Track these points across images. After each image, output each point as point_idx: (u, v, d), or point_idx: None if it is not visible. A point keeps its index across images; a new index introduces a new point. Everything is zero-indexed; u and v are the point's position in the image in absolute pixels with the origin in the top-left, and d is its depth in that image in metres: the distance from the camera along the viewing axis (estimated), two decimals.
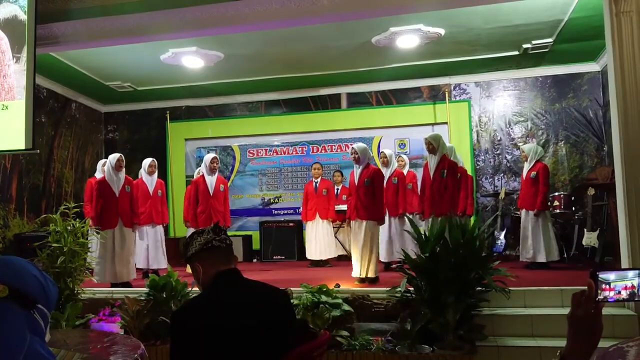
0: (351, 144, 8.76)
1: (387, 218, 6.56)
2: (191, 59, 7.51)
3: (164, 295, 4.71)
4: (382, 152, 7.24)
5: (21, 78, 5.32)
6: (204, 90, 9.23)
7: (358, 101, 9.33)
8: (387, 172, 6.87)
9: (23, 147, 5.33)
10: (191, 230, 6.86)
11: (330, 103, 9.40)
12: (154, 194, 7.12)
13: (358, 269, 5.73)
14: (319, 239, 7.68)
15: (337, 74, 8.54)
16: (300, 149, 9.46)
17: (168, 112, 9.60)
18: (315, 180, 7.93)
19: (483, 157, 8.83)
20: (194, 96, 9.55)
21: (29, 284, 1.10)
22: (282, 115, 9.64)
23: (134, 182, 6.77)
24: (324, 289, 4.50)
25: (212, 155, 7.08)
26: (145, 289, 4.80)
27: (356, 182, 5.88)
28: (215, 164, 6.89)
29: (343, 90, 9.29)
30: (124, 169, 6.37)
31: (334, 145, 9.32)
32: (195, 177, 7.37)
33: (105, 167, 6.44)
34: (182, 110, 9.86)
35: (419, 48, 7.31)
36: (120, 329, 4.57)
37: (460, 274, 4.13)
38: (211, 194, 6.70)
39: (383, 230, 6.52)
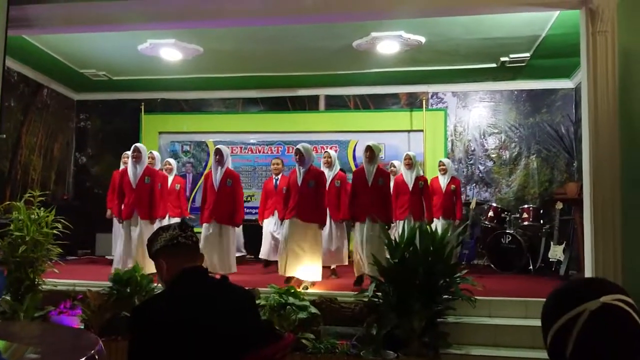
0: (328, 147, 8.91)
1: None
2: (169, 51, 7.40)
3: (128, 290, 4.63)
4: (325, 152, 7.09)
5: None
6: (181, 84, 9.10)
7: (336, 104, 9.33)
8: (329, 174, 6.72)
9: None
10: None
11: (308, 104, 9.38)
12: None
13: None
14: (268, 237, 7.34)
15: (316, 75, 8.52)
16: (276, 148, 9.41)
17: (143, 103, 9.44)
18: (276, 177, 7.47)
19: (456, 167, 8.92)
20: (170, 89, 9.41)
21: None
22: (259, 113, 9.58)
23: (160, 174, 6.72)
24: (292, 291, 4.48)
25: (217, 147, 6.44)
26: (109, 283, 4.70)
27: (299, 183, 5.81)
28: (219, 157, 6.22)
29: (321, 92, 9.27)
30: (143, 160, 6.25)
31: (310, 147, 9.28)
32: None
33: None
34: (157, 103, 9.71)
35: (399, 54, 7.35)
36: (81, 323, 4.46)
37: (428, 281, 4.15)
38: (216, 189, 6.10)
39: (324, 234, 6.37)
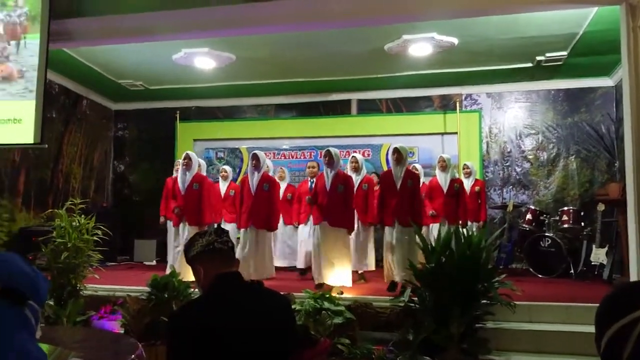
0: (359, 151, 8.89)
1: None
2: (203, 60, 7.52)
3: (166, 295, 4.68)
4: (352, 156, 7.05)
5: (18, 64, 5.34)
6: (215, 92, 9.23)
7: (368, 108, 9.29)
8: (357, 178, 6.65)
9: (32, 142, 5.34)
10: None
11: (341, 109, 9.38)
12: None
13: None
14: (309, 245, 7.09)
15: (348, 79, 8.52)
16: (309, 153, 9.43)
17: (178, 112, 9.61)
18: (311, 180, 7.07)
19: (492, 169, 8.76)
20: (204, 97, 9.56)
21: (19, 280, 1.08)
22: (292, 119, 9.63)
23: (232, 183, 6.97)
24: (327, 296, 4.46)
25: (253, 152, 6.41)
26: (147, 288, 4.78)
27: (328, 187, 5.77)
28: (255, 162, 6.20)
29: (353, 96, 9.26)
30: (193, 167, 6.37)
31: (342, 151, 9.26)
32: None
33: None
34: (191, 111, 9.88)
35: (431, 56, 7.28)
36: (121, 328, 4.55)
37: (465, 285, 4.08)
38: (252, 194, 6.08)
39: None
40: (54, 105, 8.34)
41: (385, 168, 8.98)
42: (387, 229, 5.75)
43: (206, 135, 9.77)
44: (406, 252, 5.42)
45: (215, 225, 6.91)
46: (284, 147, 9.61)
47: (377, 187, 7.39)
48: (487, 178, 8.71)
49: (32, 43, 5.41)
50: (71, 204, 5.36)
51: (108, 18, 5.58)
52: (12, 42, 5.47)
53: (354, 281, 5.99)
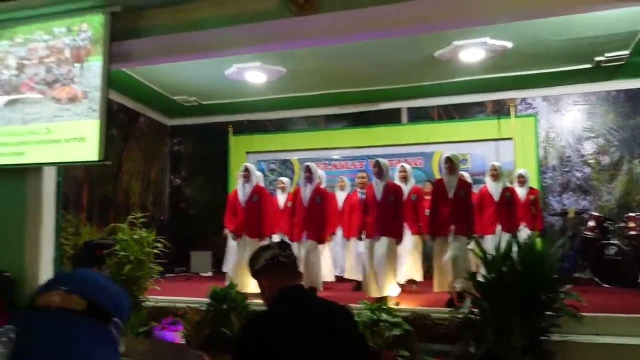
0: (412, 159, 8.81)
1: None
2: (254, 74, 7.66)
3: (225, 307, 4.77)
4: (401, 166, 6.97)
5: (82, 85, 5.60)
6: (266, 104, 9.38)
7: (418, 116, 9.20)
8: (405, 189, 6.57)
9: (96, 159, 5.57)
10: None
11: (391, 117, 9.32)
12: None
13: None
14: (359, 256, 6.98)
15: (398, 88, 8.47)
16: (359, 163, 9.42)
17: (231, 125, 9.83)
18: (361, 191, 7.02)
19: (550, 174, 8.47)
20: (255, 110, 9.72)
21: (104, 297, 1.11)
22: (342, 129, 9.66)
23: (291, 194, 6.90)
24: (384, 307, 4.41)
25: (306, 164, 6.48)
26: (207, 300, 4.87)
27: (378, 198, 5.70)
28: (308, 174, 6.25)
29: (403, 104, 9.19)
30: (252, 179, 6.40)
31: (393, 160, 9.20)
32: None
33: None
34: (244, 124, 10.07)
35: (484, 61, 7.14)
36: (182, 339, 4.65)
37: (528, 296, 3.94)
38: (305, 206, 6.14)
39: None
40: (114, 122, 8.68)
41: (437, 176, 8.84)
42: (439, 239, 5.65)
43: (258, 148, 9.93)
44: (462, 262, 5.30)
45: (276, 238, 6.99)
46: (335, 157, 9.64)
47: (428, 197, 7.30)
48: (545, 184, 8.43)
49: (95, 65, 5.66)
50: (132, 218, 5.55)
51: (164, 37, 5.76)
52: (77, 65, 5.74)
53: (405, 291, 5.91)
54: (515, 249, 4.15)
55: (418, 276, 6.61)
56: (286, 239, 6.92)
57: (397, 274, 5.69)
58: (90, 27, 5.74)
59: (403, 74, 7.83)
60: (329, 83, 8.27)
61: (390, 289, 5.44)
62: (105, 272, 6.36)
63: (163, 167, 10.32)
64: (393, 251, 5.55)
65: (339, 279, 7.35)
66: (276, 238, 7.23)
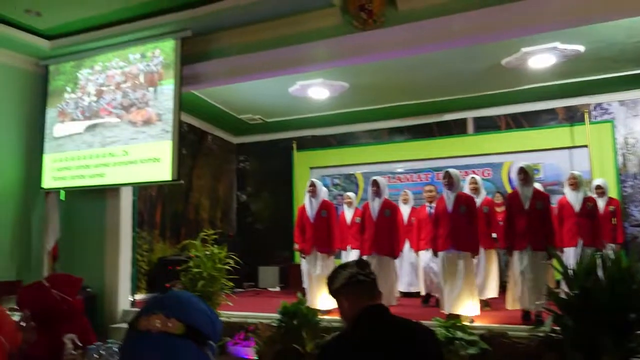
0: (479, 171, 8.56)
1: None
2: (317, 90, 7.73)
3: (295, 322, 4.78)
4: (471, 177, 6.75)
5: (156, 108, 5.85)
6: (329, 120, 9.44)
7: (485, 125, 8.95)
8: (477, 201, 6.27)
9: (170, 178, 5.80)
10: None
11: (456, 128, 9.13)
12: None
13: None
14: (431, 272, 6.75)
15: (463, 98, 8.29)
16: (425, 175, 9.27)
17: (294, 141, 9.95)
18: (429, 205, 6.79)
19: (631, 183, 7.98)
20: (318, 125, 9.80)
21: (200, 320, 1.13)
22: (406, 142, 9.55)
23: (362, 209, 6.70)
24: (459, 324, 4.28)
25: (373, 178, 6.30)
26: (277, 315, 4.91)
27: (449, 210, 5.54)
28: (376, 188, 6.11)
29: (469, 114, 8.98)
30: (319, 195, 6.36)
31: (460, 172, 8.97)
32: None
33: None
34: (307, 140, 10.17)
35: (554, 67, 6.86)
36: (255, 354, 4.70)
37: (616, 314, 3.70)
38: (374, 220, 6.01)
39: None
40: (184, 142, 9.01)
41: (507, 187, 8.56)
42: (516, 253, 5.41)
43: (322, 163, 9.99)
44: (541, 278, 5.04)
45: (345, 253, 6.94)
46: (399, 170, 9.54)
47: (500, 209, 7.05)
48: (625, 194, 7.95)
49: (167, 88, 5.92)
50: (205, 235, 5.71)
51: (232, 59, 5.96)
52: (151, 89, 6.03)
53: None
54: (599, 263, 3.92)
55: (493, 292, 6.36)
56: (352, 254, 6.90)
57: (476, 290, 5.47)
58: (162, 52, 6.01)
59: (468, 84, 7.65)
60: (391, 96, 8.22)
61: (468, 307, 5.24)
62: (178, 287, 6.58)
63: (230, 184, 10.59)
64: (470, 265, 5.37)
65: (404, 294, 7.22)
66: (346, 254, 7.21)
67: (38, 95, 6.79)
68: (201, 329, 1.11)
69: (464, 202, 5.52)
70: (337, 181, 9.93)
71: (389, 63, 6.62)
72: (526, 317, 5.17)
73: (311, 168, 10.04)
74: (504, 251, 6.08)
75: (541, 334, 4.12)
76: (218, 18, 5.65)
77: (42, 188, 6.61)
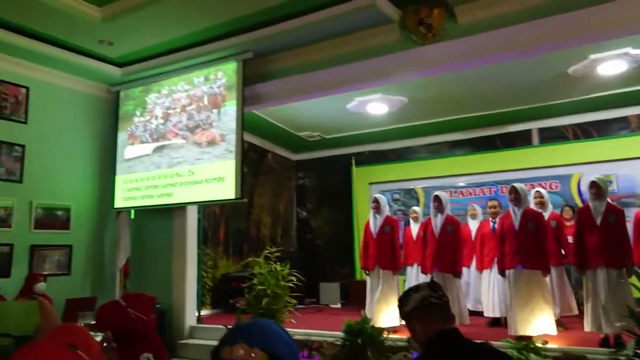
0: (546, 183, 8.24)
1: None
2: (375, 106, 7.72)
3: (360, 341, 4.74)
4: (536, 191, 6.44)
5: (220, 129, 6.02)
6: (387, 134, 9.39)
7: (551, 136, 8.62)
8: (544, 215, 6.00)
9: (234, 197, 5.94)
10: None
11: (520, 140, 8.85)
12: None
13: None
14: (496, 291, 6.45)
15: (527, 109, 8.02)
16: (488, 189, 9.01)
17: (353, 157, 9.95)
18: (493, 221, 6.56)
19: None
20: (377, 140, 9.77)
21: (282, 349, 1.13)
22: (467, 155, 9.35)
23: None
24: (531, 346, 4.10)
25: (435, 194, 6.23)
26: (342, 334, 4.89)
27: (516, 226, 5.31)
28: (437, 203, 6.02)
29: (534, 125, 8.68)
30: (382, 211, 6.31)
31: (526, 185, 8.66)
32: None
33: None
34: (366, 155, 10.15)
35: (626, 73, 6.53)
36: None
37: None
38: (436, 237, 5.93)
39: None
40: (245, 160, 9.16)
41: (577, 199, 8.18)
42: (588, 271, 5.13)
43: (381, 178, 9.93)
44: (619, 297, 4.73)
45: (411, 267, 6.81)
46: (460, 184, 9.32)
47: (569, 223, 6.74)
48: None
49: (230, 109, 6.09)
50: (267, 252, 5.79)
51: (292, 79, 6.07)
52: (214, 110, 6.22)
53: None
54: None
55: (567, 311, 6.05)
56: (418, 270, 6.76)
57: (551, 309, 5.23)
58: (225, 74, 6.20)
59: (533, 94, 7.41)
60: (451, 109, 8.08)
61: (542, 328, 5.00)
62: (241, 303, 6.69)
63: (290, 201, 10.71)
64: (541, 284, 5.14)
65: (471, 313, 6.97)
66: (411, 270, 7.08)
67: (110, 120, 7.17)
68: (284, 358, 1.11)
69: (532, 219, 5.31)
70: (397, 196, 9.83)
71: (448, 75, 6.52)
72: (605, 341, 4.85)
73: (370, 183, 9.99)
74: (574, 267, 5.79)
75: (622, 358, 3.88)
76: (278, 39, 5.77)
77: (114, 208, 6.93)
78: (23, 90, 6.23)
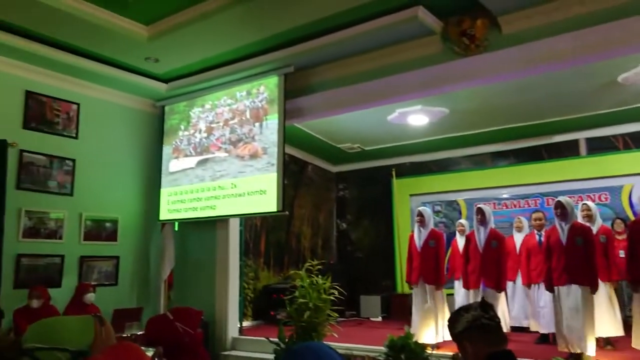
0: (594, 195, 7.97)
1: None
2: (416, 117, 7.65)
3: (403, 357, 4.68)
4: (584, 204, 6.19)
5: (262, 142, 6.08)
6: (428, 146, 9.28)
7: (600, 146, 8.34)
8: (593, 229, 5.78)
9: (275, 209, 5.99)
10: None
11: (567, 150, 8.60)
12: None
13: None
14: (544, 307, 6.22)
15: (573, 119, 7.80)
16: (533, 201, 8.78)
17: (393, 169, 9.88)
18: (538, 233, 6.39)
19: None
20: (417, 152, 9.67)
21: None
22: (511, 166, 9.14)
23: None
24: None
25: (478, 207, 6.12)
26: (384, 349, 4.83)
27: (564, 241, 5.13)
28: (481, 216, 5.91)
29: (581, 135, 8.42)
30: (427, 224, 6.23)
31: (574, 197, 8.40)
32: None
33: None
34: (406, 167, 10.06)
35: None
36: None
37: None
38: (480, 251, 5.81)
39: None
40: (286, 173, 9.23)
41: (628, 211, 7.87)
42: None
43: (422, 190, 9.81)
44: None
45: (458, 281, 6.66)
46: (504, 196, 9.12)
47: (621, 237, 6.48)
48: None
49: (272, 123, 6.16)
50: (309, 265, 5.78)
51: (333, 92, 6.09)
52: (256, 124, 6.31)
53: (599, 348, 5.20)
54: None
55: (615, 330, 5.81)
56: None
57: (594, 329, 5.03)
58: (267, 89, 6.29)
59: (579, 103, 7.20)
60: (494, 119, 7.93)
61: (588, 347, 4.82)
62: (281, 315, 6.70)
63: (330, 212, 10.71)
64: (588, 302, 4.95)
65: (515, 329, 6.77)
66: (459, 284, 6.92)
67: (155, 134, 7.36)
68: None
69: (580, 233, 5.14)
70: (438, 208, 9.69)
71: (491, 86, 6.40)
72: None
73: (411, 195, 9.89)
74: (627, 283, 5.57)
75: None
76: (319, 53, 5.81)
77: (159, 220, 7.09)
78: (74, 107, 6.48)
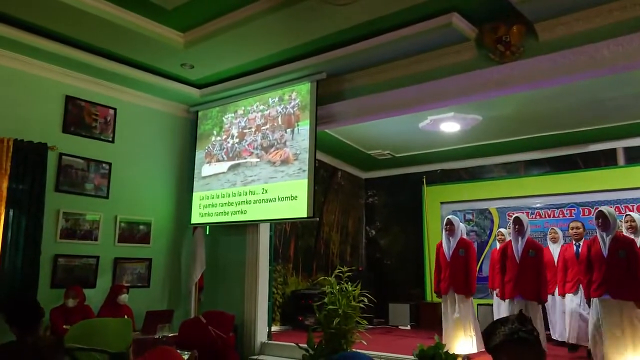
0: (633, 206, 7.74)
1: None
2: (448, 124, 7.59)
3: None
4: (627, 215, 5.98)
5: (293, 148, 6.11)
6: (459, 153, 9.19)
7: (639, 156, 8.11)
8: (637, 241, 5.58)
9: (305, 215, 6.01)
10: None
11: (603, 159, 8.39)
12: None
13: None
14: (574, 317, 6.19)
15: (610, 127, 7.62)
16: (568, 211, 8.58)
17: (424, 176, 9.81)
18: (576, 244, 6.39)
19: None
20: (449, 159, 9.59)
21: None
22: (545, 175, 8.97)
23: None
24: None
25: (516, 216, 6.01)
26: (414, 358, 4.78)
27: (605, 253, 4.97)
28: (518, 226, 5.79)
29: (619, 144, 8.22)
30: (456, 233, 6.21)
31: (612, 207, 8.18)
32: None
33: None
34: (437, 174, 9.97)
35: None
36: None
37: None
38: (517, 261, 5.69)
39: None
40: (316, 179, 9.27)
41: None
42: None
43: (452, 198, 9.70)
44: None
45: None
46: (537, 205, 8.94)
47: None
48: None
49: (304, 129, 6.19)
50: (339, 272, 5.77)
51: (364, 98, 6.09)
52: (288, 130, 6.34)
53: None
54: None
55: None
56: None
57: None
58: (299, 95, 6.32)
59: (617, 112, 7.02)
60: (528, 127, 7.80)
61: None
62: (309, 321, 6.68)
63: (359, 219, 10.68)
64: (634, 316, 4.82)
65: (557, 342, 6.61)
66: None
67: (189, 139, 7.48)
68: None
69: (623, 245, 4.99)
70: (469, 216, 9.56)
71: (526, 93, 6.30)
72: None
73: (442, 203, 9.79)
74: None
75: None
76: (351, 60, 5.81)
77: (191, 224, 7.19)
78: (111, 111, 6.64)
